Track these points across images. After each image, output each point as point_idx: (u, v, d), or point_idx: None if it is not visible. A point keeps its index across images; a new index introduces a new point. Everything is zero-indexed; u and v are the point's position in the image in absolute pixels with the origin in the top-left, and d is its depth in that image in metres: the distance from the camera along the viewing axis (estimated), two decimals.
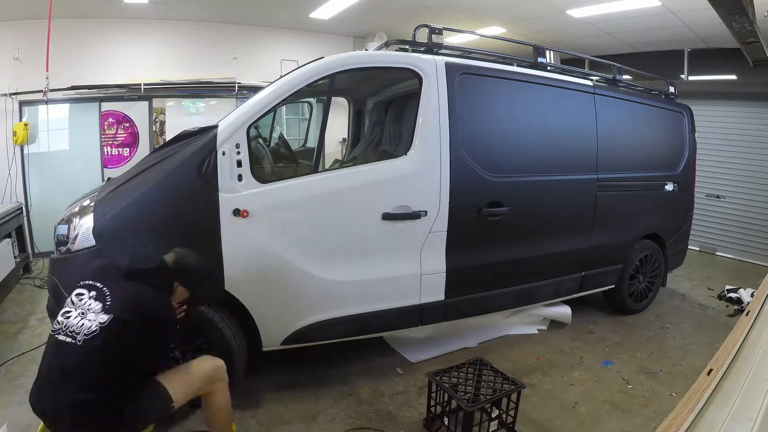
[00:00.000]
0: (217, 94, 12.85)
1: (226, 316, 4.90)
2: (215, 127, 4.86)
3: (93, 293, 3.58)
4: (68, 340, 3.43)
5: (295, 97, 5.40)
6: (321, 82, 5.19)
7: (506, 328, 7.24)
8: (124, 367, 3.49)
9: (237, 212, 4.70)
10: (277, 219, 4.90)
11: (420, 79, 5.47)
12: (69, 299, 3.63)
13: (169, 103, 12.65)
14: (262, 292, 5.00)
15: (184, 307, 4.29)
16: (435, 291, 5.79)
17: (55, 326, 3.55)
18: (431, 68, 5.51)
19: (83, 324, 3.44)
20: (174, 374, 3.89)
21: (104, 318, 3.44)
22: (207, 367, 4.06)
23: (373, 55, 6.03)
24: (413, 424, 5.04)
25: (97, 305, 3.51)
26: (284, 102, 5.12)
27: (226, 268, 4.77)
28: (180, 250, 4.14)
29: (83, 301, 3.56)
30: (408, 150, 5.44)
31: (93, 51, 11.30)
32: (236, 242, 4.77)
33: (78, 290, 3.64)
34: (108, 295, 3.55)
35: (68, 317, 3.52)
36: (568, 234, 6.89)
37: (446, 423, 4.78)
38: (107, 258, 3.91)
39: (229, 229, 4.72)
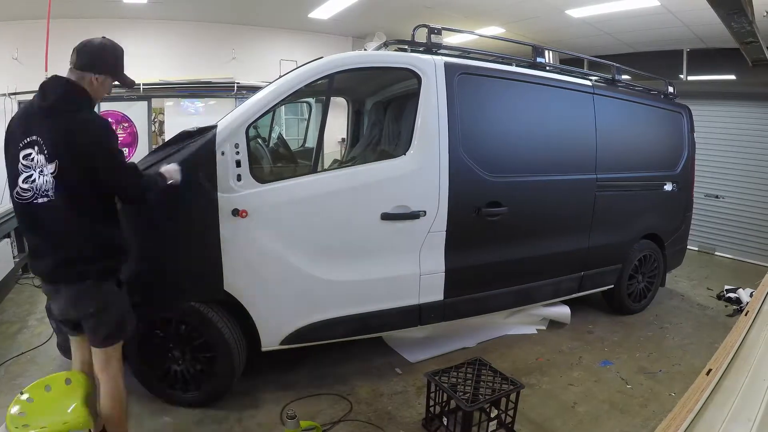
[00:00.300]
0: (216, 94, 12.88)
1: (225, 316, 4.89)
2: (214, 127, 4.85)
3: (36, 147, 3.59)
4: (46, 200, 3.58)
5: (294, 97, 5.41)
6: (320, 82, 5.18)
7: (505, 328, 7.24)
8: (93, 202, 3.74)
9: (236, 212, 4.69)
10: (276, 219, 4.89)
11: (419, 79, 5.46)
12: (20, 164, 3.61)
13: (168, 103, 12.69)
14: (261, 292, 4.99)
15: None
16: (434, 291, 5.79)
17: (25, 195, 3.61)
18: (430, 68, 5.50)
19: (47, 180, 3.55)
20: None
21: (51, 167, 3.54)
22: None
23: (372, 55, 6.03)
24: (412, 424, 5.04)
25: (41, 158, 3.56)
26: (283, 102, 5.11)
27: (225, 268, 4.77)
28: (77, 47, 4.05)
29: (33, 158, 3.59)
30: (407, 150, 5.43)
31: None
32: (235, 242, 4.76)
33: (24, 151, 3.62)
34: (42, 143, 3.58)
35: (34, 181, 3.58)
36: (567, 234, 6.89)
37: (445, 423, 4.78)
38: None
39: (228, 229, 4.71)
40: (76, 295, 3.78)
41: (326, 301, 5.26)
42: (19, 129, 3.68)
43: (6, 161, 3.72)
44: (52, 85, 3.73)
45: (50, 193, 3.56)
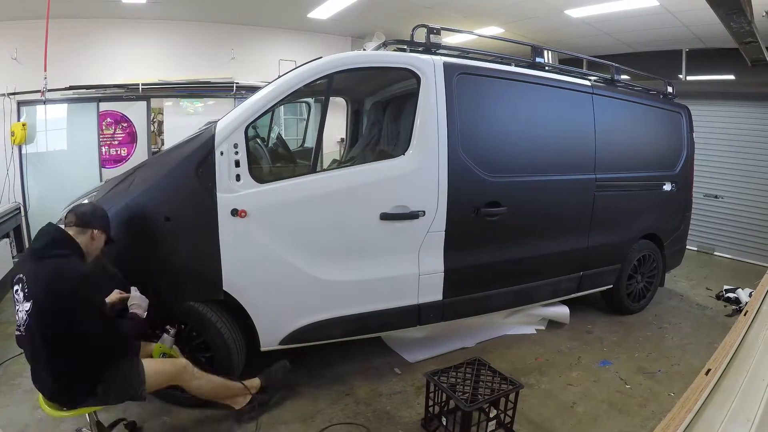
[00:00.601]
0: (215, 94, 12.87)
1: (224, 316, 4.91)
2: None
3: (20, 285, 3.81)
4: (18, 333, 3.85)
5: (293, 97, 5.41)
6: (319, 82, 5.18)
7: (504, 328, 7.24)
8: (69, 344, 3.78)
9: (235, 212, 4.70)
10: (275, 219, 4.90)
11: (418, 79, 5.46)
12: (14, 296, 3.87)
13: (167, 103, 12.66)
14: (260, 292, 4.99)
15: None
16: (433, 291, 5.79)
17: (17, 319, 3.84)
18: (429, 68, 5.50)
19: (21, 316, 3.78)
20: (153, 362, 4.32)
21: (27, 305, 3.72)
22: (172, 368, 4.40)
23: (371, 55, 6.04)
24: (411, 424, 5.04)
25: (21, 295, 3.79)
26: (282, 102, 5.11)
27: (224, 268, 4.78)
28: (70, 208, 4.39)
29: (18, 294, 3.81)
30: (406, 150, 5.43)
31: (91, 51, 11.31)
32: (234, 242, 4.77)
33: (15, 286, 3.86)
34: (25, 281, 3.78)
35: (18, 312, 3.82)
36: (566, 234, 6.89)
37: (444, 423, 4.78)
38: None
39: (227, 229, 4.72)
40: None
41: (325, 301, 5.26)
42: (17, 269, 4.01)
43: None
44: (43, 230, 4.00)
45: (21, 328, 3.81)
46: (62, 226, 4.08)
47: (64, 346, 3.77)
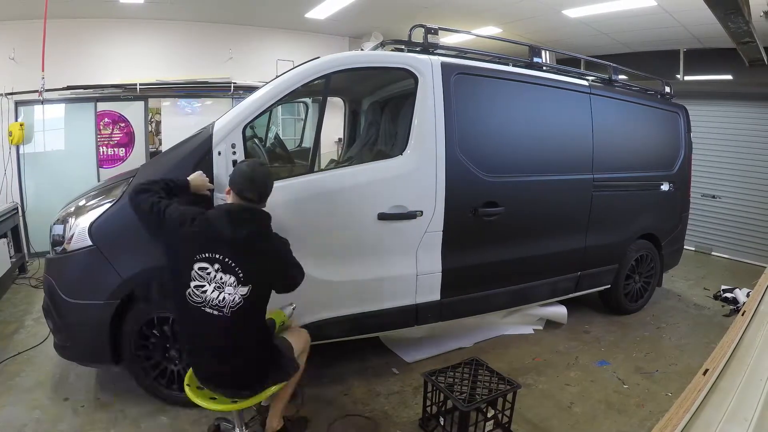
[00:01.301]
0: (212, 94, 12.86)
1: None
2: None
3: (217, 266, 3.76)
4: (215, 312, 3.75)
5: (291, 97, 5.40)
6: (317, 82, 5.18)
7: (502, 328, 7.25)
8: (263, 317, 4.10)
9: None
10: (272, 219, 4.87)
11: (416, 79, 5.47)
12: (193, 272, 3.76)
13: (165, 103, 12.66)
14: None
15: None
16: (431, 291, 5.80)
17: (195, 299, 3.76)
18: (427, 68, 5.51)
19: (225, 298, 3.74)
20: (290, 333, 4.52)
21: (244, 290, 3.76)
22: (306, 336, 4.65)
23: (369, 55, 6.05)
24: (409, 424, 5.04)
25: (229, 278, 3.76)
26: (280, 102, 5.12)
27: None
28: (243, 166, 4.20)
29: (212, 275, 3.76)
30: (404, 150, 5.44)
31: (89, 51, 11.30)
32: None
33: (200, 264, 3.77)
34: (235, 267, 3.76)
35: (205, 291, 3.74)
36: (563, 234, 6.91)
37: (442, 423, 4.78)
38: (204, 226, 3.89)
39: None
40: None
41: (323, 301, 5.27)
42: (198, 245, 3.83)
43: (176, 251, 3.92)
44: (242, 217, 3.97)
45: (225, 311, 3.76)
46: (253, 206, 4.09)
47: (262, 320, 4.08)
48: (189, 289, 3.77)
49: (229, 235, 3.80)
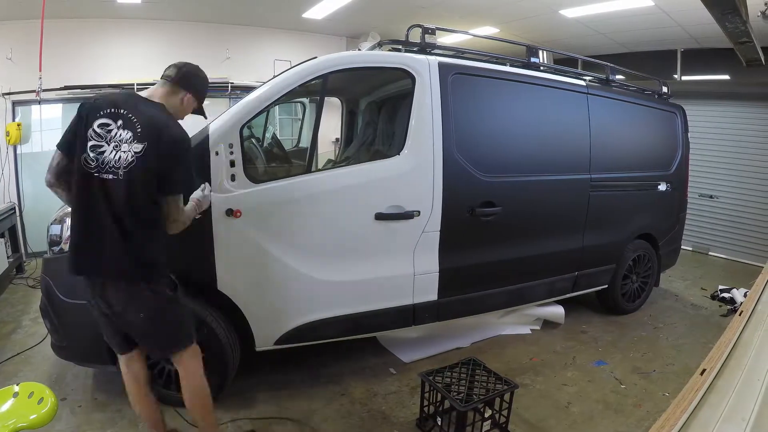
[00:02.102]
0: (210, 94, 12.80)
1: (219, 316, 4.90)
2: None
3: (120, 122, 3.59)
4: (110, 177, 3.53)
5: (288, 97, 5.41)
6: (314, 82, 5.19)
7: (499, 328, 7.26)
8: (154, 207, 3.72)
9: (230, 212, 4.70)
10: (270, 219, 4.92)
11: (413, 79, 5.47)
12: (91, 131, 3.59)
13: None
14: (255, 293, 5.00)
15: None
16: (428, 291, 5.80)
17: (90, 164, 3.56)
18: (424, 68, 5.51)
19: (120, 157, 3.53)
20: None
21: (138, 147, 3.54)
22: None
23: (366, 55, 6.04)
24: (406, 423, 5.05)
25: (127, 134, 3.57)
26: (277, 102, 5.13)
27: (219, 269, 4.78)
28: (178, 64, 4.12)
29: (113, 133, 3.58)
30: (401, 150, 5.44)
31: (86, 51, 11.29)
32: (229, 242, 4.77)
33: (101, 120, 3.60)
34: (136, 122, 3.59)
35: (102, 152, 3.55)
36: (561, 234, 6.91)
37: (439, 423, 4.78)
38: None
39: (222, 230, 4.71)
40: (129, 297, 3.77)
41: (320, 301, 5.27)
42: (104, 102, 3.70)
43: (76, 129, 3.69)
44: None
45: (120, 172, 3.53)
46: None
47: (152, 206, 3.71)
48: (84, 154, 3.57)
49: (134, 100, 3.78)
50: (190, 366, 4.10)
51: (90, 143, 3.57)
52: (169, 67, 4.08)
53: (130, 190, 3.55)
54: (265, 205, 4.85)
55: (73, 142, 3.66)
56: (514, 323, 7.41)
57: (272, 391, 5.54)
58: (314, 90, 6.25)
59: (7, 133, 10.49)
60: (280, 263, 4.99)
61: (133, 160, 3.52)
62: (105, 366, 4.99)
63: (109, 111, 3.63)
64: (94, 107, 3.66)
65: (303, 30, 13.88)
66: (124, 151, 3.53)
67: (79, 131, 3.64)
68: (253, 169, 5.70)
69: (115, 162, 3.53)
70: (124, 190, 3.53)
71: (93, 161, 3.55)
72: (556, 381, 6.03)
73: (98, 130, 3.59)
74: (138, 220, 3.66)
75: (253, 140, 6.85)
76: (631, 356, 6.75)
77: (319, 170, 5.58)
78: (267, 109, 5.13)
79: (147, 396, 4.24)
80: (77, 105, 3.74)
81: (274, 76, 5.32)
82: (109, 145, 3.56)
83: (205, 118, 4.39)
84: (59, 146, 3.79)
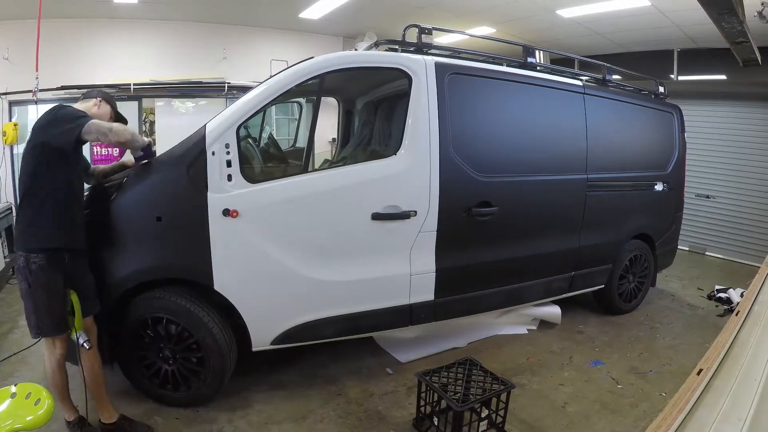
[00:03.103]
0: (206, 94, 12.87)
1: (215, 316, 4.88)
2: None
3: None
4: None
5: (285, 98, 5.40)
6: (311, 82, 5.17)
7: (496, 328, 7.25)
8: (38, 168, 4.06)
9: (227, 212, 4.68)
10: (266, 219, 4.90)
11: (410, 79, 5.46)
12: None
13: (159, 103, 12.66)
14: (251, 292, 4.98)
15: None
16: (425, 291, 5.77)
17: None
18: (421, 68, 5.50)
19: None
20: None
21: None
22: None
23: (363, 55, 6.04)
24: (403, 423, 5.03)
25: None
26: (274, 102, 5.12)
27: (215, 269, 4.76)
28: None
29: None
30: (397, 150, 5.42)
31: (83, 51, 11.32)
32: (226, 242, 4.76)
33: None
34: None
35: None
36: (557, 234, 6.90)
37: (436, 423, 4.78)
38: None
39: (219, 230, 4.71)
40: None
41: (317, 301, 5.25)
42: None
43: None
44: None
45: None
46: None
47: (34, 169, 4.06)
48: None
49: None
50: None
51: None
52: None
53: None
54: (261, 205, 4.84)
55: None
56: (511, 323, 7.40)
57: (269, 391, 5.53)
58: (311, 90, 6.25)
59: (4, 133, 10.51)
60: (277, 263, 4.97)
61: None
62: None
63: None
64: None
65: (300, 30, 13.90)
66: None
67: None
68: (250, 169, 5.68)
69: None
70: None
71: None
72: (552, 381, 6.02)
73: None
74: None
75: (250, 140, 6.84)
76: (628, 356, 6.75)
77: (316, 170, 5.55)
78: (264, 110, 5.13)
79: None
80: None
81: (271, 76, 5.31)
82: None
83: (125, 122, 4.75)
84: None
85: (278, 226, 4.94)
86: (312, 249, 5.16)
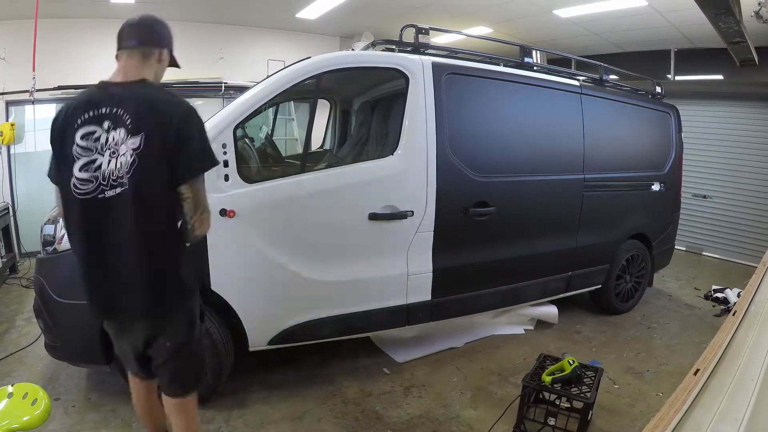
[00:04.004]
0: (203, 94, 12.82)
1: (212, 316, 4.89)
2: None
3: (107, 123, 3.01)
4: (117, 191, 3.00)
5: (282, 98, 5.41)
6: (308, 82, 5.19)
7: (493, 328, 7.26)
8: (170, 206, 3.13)
9: (224, 212, 4.68)
10: (264, 219, 4.92)
11: (407, 79, 5.48)
12: (75, 148, 3.05)
13: None
14: (248, 292, 4.99)
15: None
16: (422, 291, 5.81)
17: (82, 189, 3.04)
18: (418, 68, 5.52)
19: (121, 163, 2.97)
20: None
21: (136, 141, 2.96)
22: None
23: (360, 55, 6.04)
24: (399, 424, 5.05)
25: (120, 133, 2.98)
26: (272, 102, 5.14)
27: (212, 269, 4.77)
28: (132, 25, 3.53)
29: (103, 139, 3.02)
30: (395, 150, 5.45)
31: (80, 51, 11.27)
32: (223, 242, 4.75)
33: (82, 130, 3.05)
34: (123, 113, 3.00)
35: (98, 167, 3.01)
36: (554, 234, 6.93)
37: (552, 423, 4.80)
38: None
39: (216, 229, 4.66)
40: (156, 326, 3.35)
41: (314, 301, 5.27)
42: (78, 107, 3.12)
43: (54, 151, 3.28)
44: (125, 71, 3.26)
45: (125, 180, 2.98)
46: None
47: (166, 208, 3.13)
48: (73, 179, 3.06)
49: (111, 89, 3.16)
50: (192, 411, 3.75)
51: (78, 163, 3.05)
52: (123, 33, 3.49)
53: (140, 198, 3.00)
54: (259, 205, 4.85)
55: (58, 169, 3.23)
56: (508, 323, 7.42)
57: (265, 391, 5.54)
58: (308, 90, 6.24)
59: (1, 133, 10.46)
60: (274, 263, 4.99)
61: (134, 160, 2.94)
62: (98, 366, 4.99)
63: (88, 116, 3.06)
64: (68, 118, 3.12)
65: (296, 30, 13.88)
66: (123, 154, 2.96)
67: (59, 155, 3.21)
68: (247, 169, 5.69)
69: (118, 171, 2.97)
70: (132, 200, 2.98)
71: (88, 182, 3.03)
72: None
73: (83, 144, 3.04)
74: (166, 240, 3.20)
75: (247, 140, 6.84)
76: (625, 356, 6.76)
77: (313, 170, 5.56)
78: (261, 110, 5.13)
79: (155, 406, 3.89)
80: None
81: (268, 76, 5.33)
82: (103, 155, 3.00)
83: (179, 67, 3.71)
84: (50, 178, 3.42)
85: (275, 227, 4.95)
86: (309, 249, 5.18)
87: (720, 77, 11.95)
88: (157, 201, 3.07)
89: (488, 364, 5.83)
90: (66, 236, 4.02)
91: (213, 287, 4.80)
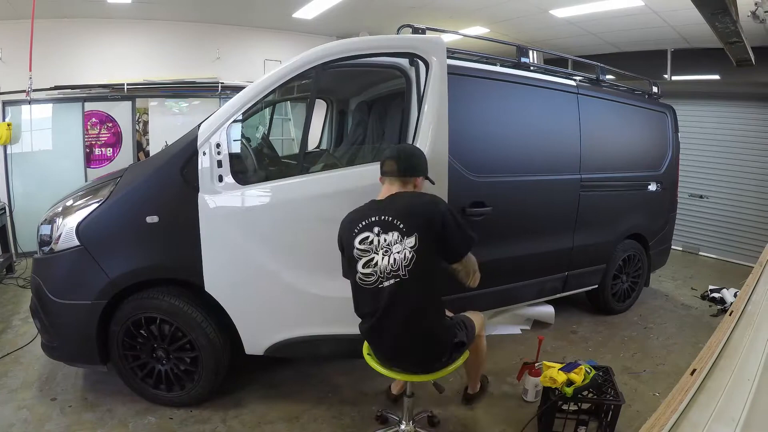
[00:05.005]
0: (200, 94, 12.82)
1: (209, 316, 4.89)
2: None
3: (377, 229, 3.79)
4: (392, 282, 3.73)
5: (279, 94, 5.38)
6: (306, 78, 5.18)
7: (489, 328, 7.25)
8: (439, 279, 4.02)
9: (217, 213, 4.67)
10: (256, 222, 4.86)
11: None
12: (355, 251, 3.84)
13: (153, 103, 12.61)
14: (242, 298, 4.94)
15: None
16: None
17: (368, 280, 3.81)
18: (440, 51, 5.40)
19: (396, 259, 3.70)
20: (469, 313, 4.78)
21: (411, 240, 3.69)
22: (480, 317, 4.92)
23: (367, 41, 5.98)
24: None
25: (392, 235, 3.74)
26: (267, 100, 5.14)
27: (206, 270, 4.75)
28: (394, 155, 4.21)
29: (375, 241, 3.79)
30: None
31: (76, 51, 11.27)
32: (215, 244, 4.74)
33: (360, 236, 3.84)
34: (392, 220, 3.76)
35: (376, 263, 3.76)
36: (551, 234, 6.92)
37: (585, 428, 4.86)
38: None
39: (208, 231, 4.69)
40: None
41: (311, 316, 5.13)
42: (354, 220, 3.95)
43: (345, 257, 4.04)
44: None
45: (402, 273, 3.71)
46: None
47: (440, 286, 4.07)
48: (358, 274, 3.82)
49: (377, 205, 3.96)
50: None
51: (360, 263, 3.81)
52: (386, 161, 4.18)
53: (424, 282, 3.77)
54: (251, 207, 4.84)
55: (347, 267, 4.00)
56: (505, 323, 7.44)
57: (262, 391, 5.54)
58: (305, 88, 6.20)
59: None
60: (266, 270, 4.90)
61: (413, 255, 3.68)
62: (95, 366, 5.01)
63: (362, 225, 3.84)
64: (346, 230, 3.95)
65: (293, 30, 13.87)
66: (398, 252, 3.70)
67: (344, 259, 4.03)
68: (242, 170, 5.66)
69: (392, 265, 3.71)
70: (416, 285, 3.73)
71: (370, 276, 3.78)
72: None
73: (361, 247, 3.81)
74: (435, 309, 4.06)
75: (243, 140, 6.82)
76: (622, 356, 6.77)
77: (310, 173, 5.49)
78: (258, 109, 5.11)
79: None
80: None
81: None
82: (378, 253, 3.76)
83: (432, 183, 4.47)
84: (346, 277, 4.13)
85: (268, 231, 4.88)
86: (304, 257, 5.04)
87: (717, 77, 11.94)
88: (435, 281, 3.97)
89: (485, 364, 5.82)
90: (62, 236, 4.28)
91: (206, 289, 4.79)
